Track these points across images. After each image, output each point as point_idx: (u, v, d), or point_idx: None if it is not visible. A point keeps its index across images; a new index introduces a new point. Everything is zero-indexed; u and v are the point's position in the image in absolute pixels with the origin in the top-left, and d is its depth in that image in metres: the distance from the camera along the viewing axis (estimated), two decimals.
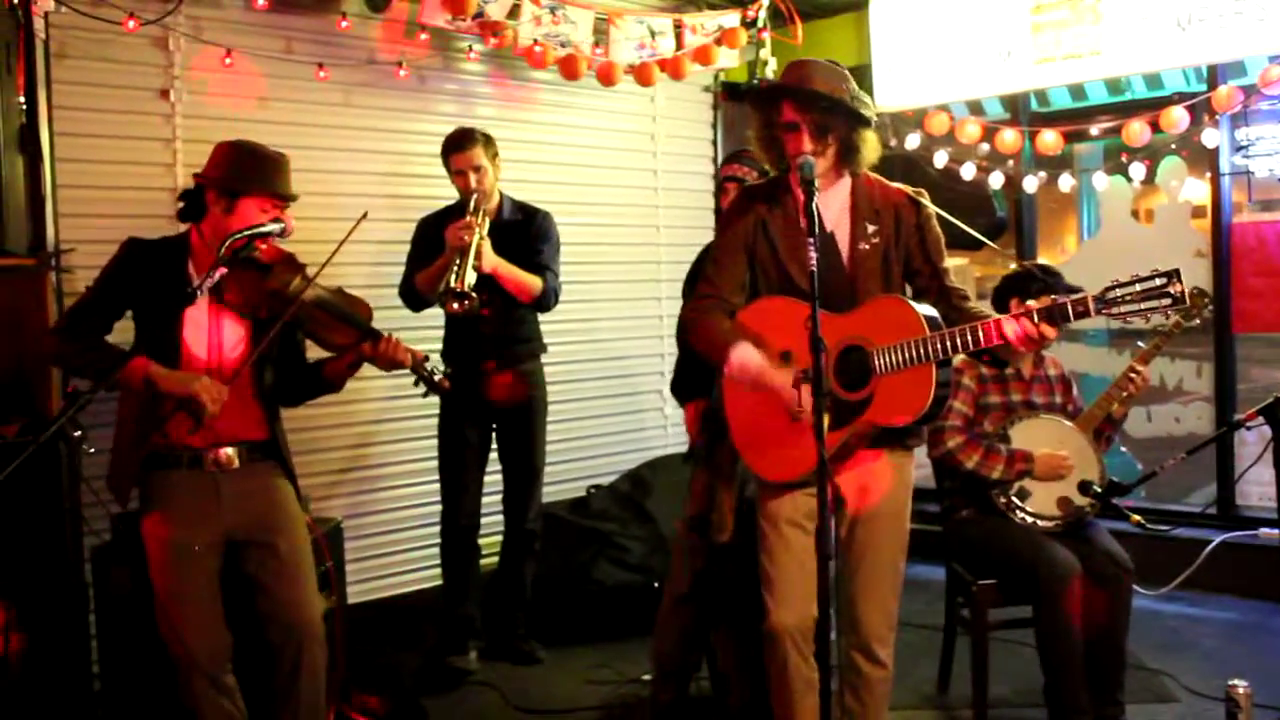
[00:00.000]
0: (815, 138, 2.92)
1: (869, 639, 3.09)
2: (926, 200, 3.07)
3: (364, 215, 3.29)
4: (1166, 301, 2.64)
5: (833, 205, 3.03)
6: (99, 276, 3.28)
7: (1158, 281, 2.65)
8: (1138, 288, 2.66)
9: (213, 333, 3.24)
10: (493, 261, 4.33)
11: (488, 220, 4.38)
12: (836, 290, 2.94)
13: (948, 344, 2.79)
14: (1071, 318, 2.73)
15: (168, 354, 3.18)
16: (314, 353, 3.47)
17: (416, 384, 3.38)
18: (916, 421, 2.88)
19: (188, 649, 3.16)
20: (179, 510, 3.21)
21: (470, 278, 4.19)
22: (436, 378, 3.36)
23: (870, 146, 3.02)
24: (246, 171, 3.21)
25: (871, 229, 3.01)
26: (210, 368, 3.21)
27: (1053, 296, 2.84)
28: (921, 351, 2.79)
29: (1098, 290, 2.72)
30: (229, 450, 3.27)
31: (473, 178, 4.42)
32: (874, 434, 2.96)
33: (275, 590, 3.28)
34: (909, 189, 3.09)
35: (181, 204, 3.32)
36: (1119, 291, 2.69)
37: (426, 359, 3.36)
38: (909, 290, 3.11)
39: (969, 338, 2.78)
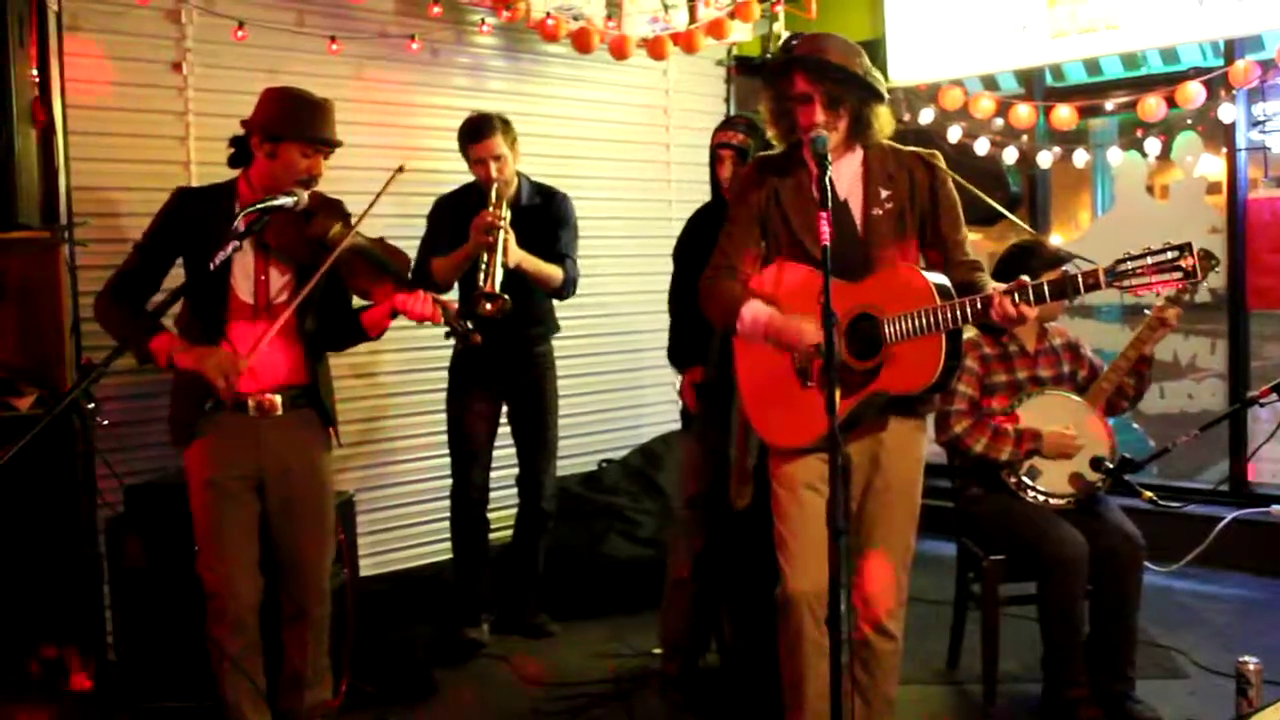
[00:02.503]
0: (827, 109, 2.91)
1: (879, 611, 3.09)
2: (941, 163, 3.05)
3: (400, 168, 3.42)
4: (1178, 275, 2.62)
5: (845, 173, 3.02)
6: (148, 228, 3.36)
7: (1169, 255, 2.62)
8: (1149, 260, 2.64)
9: (259, 278, 3.31)
10: (517, 256, 4.22)
11: (508, 210, 4.27)
12: (850, 257, 2.93)
13: (957, 313, 2.77)
14: (1083, 290, 2.71)
15: (216, 299, 3.25)
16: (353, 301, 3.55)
17: (449, 336, 3.43)
18: (926, 390, 2.87)
19: (217, 585, 3.30)
20: (218, 449, 3.31)
21: (499, 277, 4.08)
22: (471, 324, 3.40)
23: (883, 120, 3.00)
24: (288, 117, 3.25)
25: (885, 194, 3.00)
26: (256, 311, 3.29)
27: (1063, 270, 2.83)
28: (931, 320, 2.78)
29: (1109, 263, 2.71)
30: (273, 396, 3.34)
31: (493, 166, 4.31)
32: (883, 403, 2.94)
33: (289, 545, 3.42)
34: (923, 151, 3.07)
35: (231, 150, 3.38)
36: (1130, 264, 2.67)
37: (459, 311, 3.41)
38: (923, 259, 3.09)
39: (979, 307, 2.77)
